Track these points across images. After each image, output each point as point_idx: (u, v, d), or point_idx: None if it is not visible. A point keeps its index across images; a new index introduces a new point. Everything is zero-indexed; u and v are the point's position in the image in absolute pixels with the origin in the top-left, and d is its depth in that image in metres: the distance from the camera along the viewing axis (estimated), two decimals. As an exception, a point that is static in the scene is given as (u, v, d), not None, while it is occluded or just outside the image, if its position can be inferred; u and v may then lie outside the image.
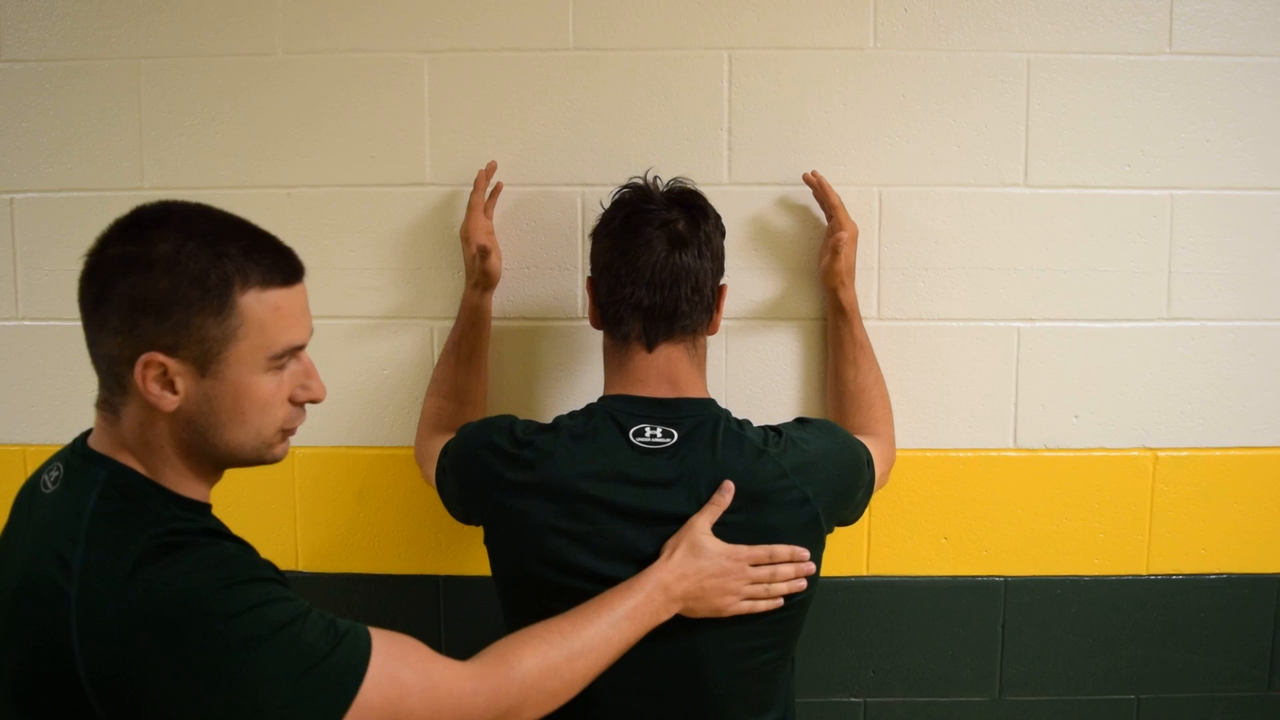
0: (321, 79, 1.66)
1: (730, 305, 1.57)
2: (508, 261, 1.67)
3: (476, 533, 1.69)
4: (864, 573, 1.71)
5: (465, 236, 1.60)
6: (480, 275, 1.58)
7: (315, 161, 1.67)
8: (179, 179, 1.68)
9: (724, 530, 1.25)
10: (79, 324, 1.00)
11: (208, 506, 1.03)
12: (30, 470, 1.07)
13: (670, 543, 1.24)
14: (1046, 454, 1.70)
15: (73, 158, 1.69)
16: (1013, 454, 1.70)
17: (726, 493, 1.25)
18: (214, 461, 1.02)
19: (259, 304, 0.98)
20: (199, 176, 1.68)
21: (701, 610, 1.23)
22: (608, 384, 1.38)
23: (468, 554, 1.72)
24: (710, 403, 1.35)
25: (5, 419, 1.73)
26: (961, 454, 1.70)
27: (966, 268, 1.67)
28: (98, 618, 0.88)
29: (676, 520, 1.25)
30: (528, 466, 1.28)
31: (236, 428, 1.00)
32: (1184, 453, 1.70)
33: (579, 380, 1.68)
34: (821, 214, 1.65)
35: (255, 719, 0.90)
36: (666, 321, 1.32)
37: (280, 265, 1.02)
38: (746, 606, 1.25)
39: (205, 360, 0.96)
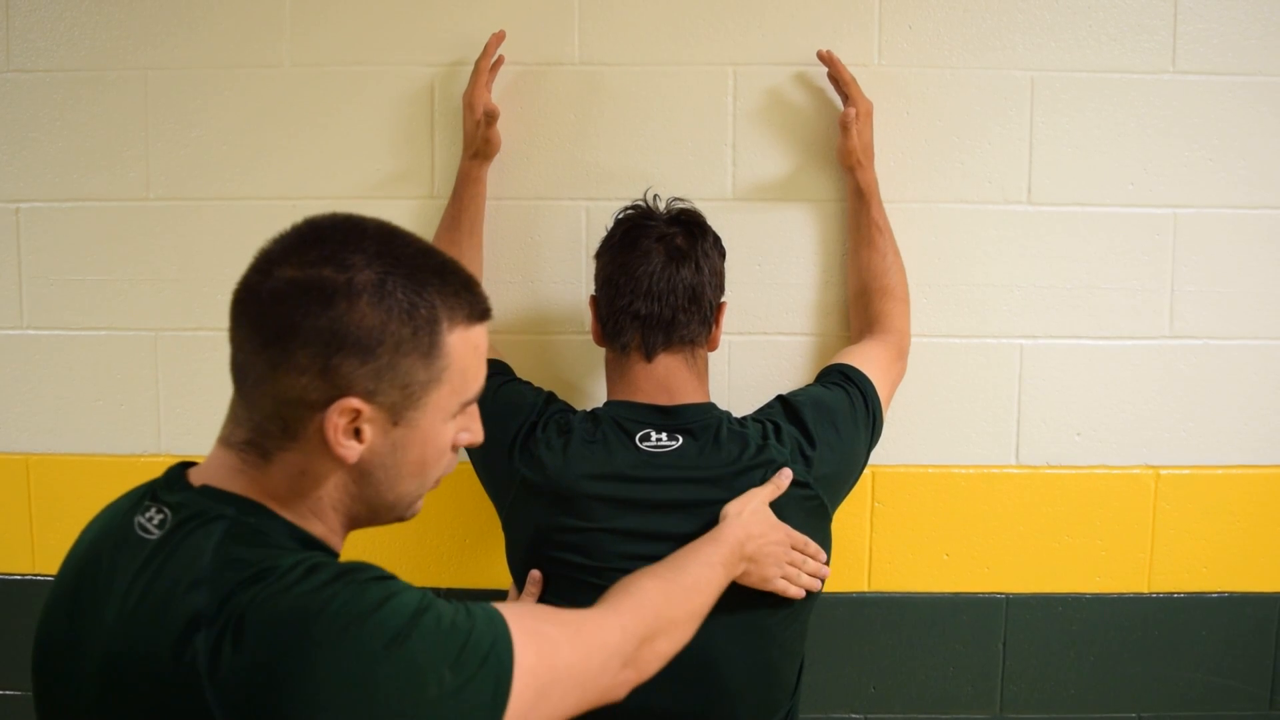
0: (328, 92, 1.67)
1: (734, 321, 1.57)
2: (510, 275, 1.67)
3: (480, 544, 1.70)
4: (865, 589, 1.70)
5: (469, 103, 1.59)
6: (482, 144, 1.58)
7: (321, 174, 1.68)
8: (185, 190, 1.69)
9: None
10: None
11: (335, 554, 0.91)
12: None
13: (733, 507, 1.27)
14: (1048, 471, 1.70)
15: (79, 168, 1.69)
16: (1015, 471, 1.70)
17: (785, 477, 1.31)
18: (367, 518, 0.91)
19: (463, 344, 0.88)
20: (205, 188, 1.68)
21: (753, 576, 1.27)
22: (610, 394, 1.43)
23: (471, 566, 1.71)
24: (711, 406, 1.40)
25: (9, 428, 1.73)
26: (963, 471, 1.70)
27: (969, 284, 1.68)
28: (232, 666, 0.76)
29: (686, 510, 1.29)
30: (540, 467, 1.33)
31: (411, 480, 0.90)
32: (1186, 471, 1.70)
33: (582, 394, 1.68)
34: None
35: (426, 715, 0.80)
36: (664, 331, 1.37)
37: (478, 298, 0.90)
38: (782, 585, 1.29)
39: (403, 407, 0.85)
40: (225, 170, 1.68)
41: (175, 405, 1.71)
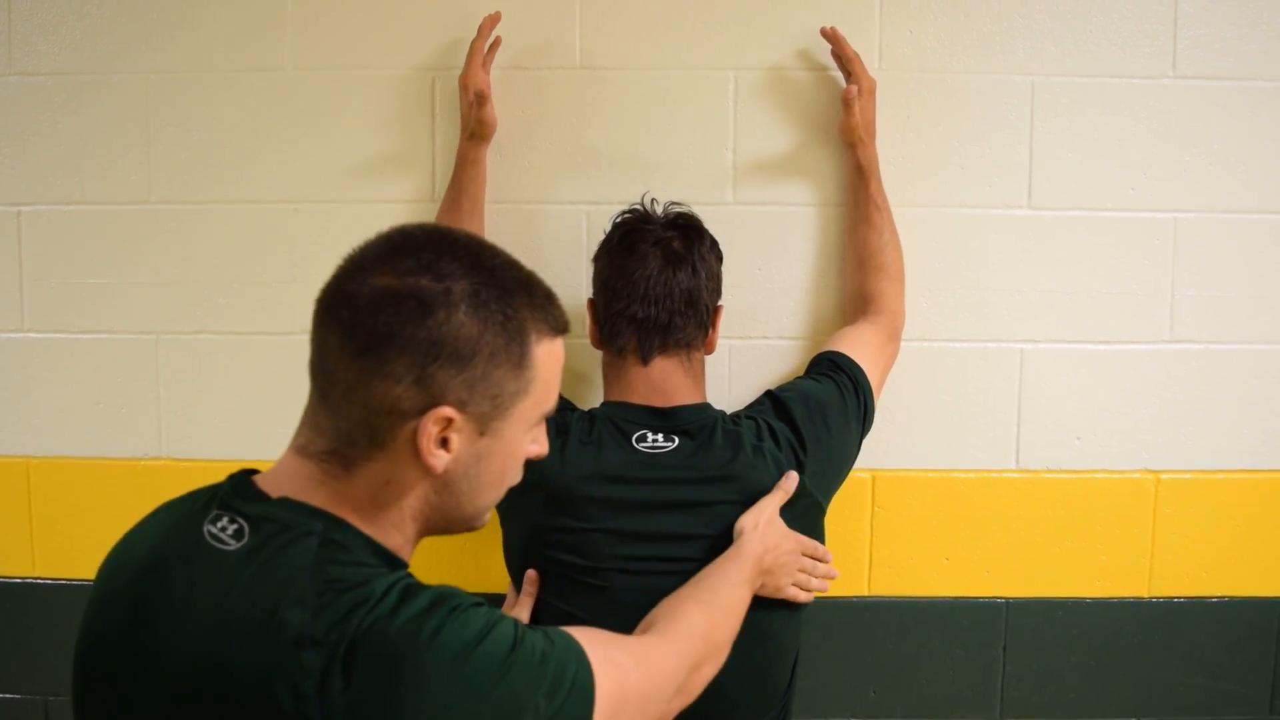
0: (330, 95, 1.67)
1: (733, 325, 1.57)
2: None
3: (481, 549, 1.70)
4: (865, 593, 1.70)
5: (463, 84, 1.59)
6: (476, 125, 1.58)
7: (323, 177, 1.68)
8: (186, 193, 1.69)
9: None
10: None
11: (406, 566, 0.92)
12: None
13: (748, 521, 1.28)
14: (1049, 475, 1.70)
15: (81, 171, 1.69)
16: (1015, 475, 1.70)
17: (791, 480, 1.32)
18: (441, 528, 0.92)
19: (547, 356, 0.90)
20: (206, 190, 1.69)
21: (768, 587, 1.28)
22: (606, 395, 1.45)
23: (470, 568, 1.71)
24: (706, 407, 1.41)
25: (9, 430, 1.73)
26: (964, 475, 1.70)
27: (970, 289, 1.68)
28: (345, 693, 0.77)
29: (683, 509, 1.30)
30: (538, 467, 1.33)
31: (491, 491, 0.91)
32: (1186, 475, 1.70)
33: (581, 398, 1.69)
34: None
35: None
36: (661, 334, 1.38)
37: (560, 311, 0.92)
38: (793, 593, 1.31)
39: (490, 417, 0.86)
40: (227, 173, 1.69)
41: (176, 408, 1.71)
